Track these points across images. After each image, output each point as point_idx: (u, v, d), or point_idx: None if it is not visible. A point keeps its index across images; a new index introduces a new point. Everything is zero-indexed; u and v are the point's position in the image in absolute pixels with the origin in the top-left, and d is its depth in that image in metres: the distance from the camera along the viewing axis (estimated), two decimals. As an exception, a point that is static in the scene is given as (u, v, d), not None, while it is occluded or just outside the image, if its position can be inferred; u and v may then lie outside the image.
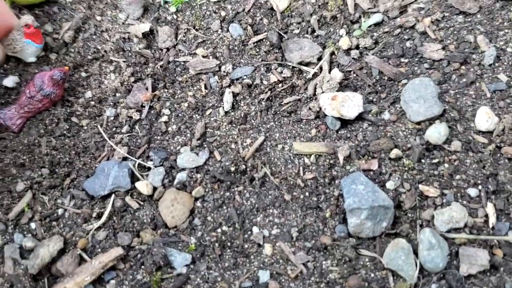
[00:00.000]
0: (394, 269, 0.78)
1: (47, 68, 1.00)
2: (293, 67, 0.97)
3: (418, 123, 0.89)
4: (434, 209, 0.83)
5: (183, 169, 0.90)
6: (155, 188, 0.88)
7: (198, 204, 0.87)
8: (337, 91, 0.93)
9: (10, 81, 0.96)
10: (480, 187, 0.83)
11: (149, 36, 1.04)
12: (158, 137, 0.94)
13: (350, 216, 0.81)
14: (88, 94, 0.99)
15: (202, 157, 0.90)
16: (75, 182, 0.91)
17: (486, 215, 0.82)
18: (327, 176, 0.87)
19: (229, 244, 0.84)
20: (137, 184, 0.87)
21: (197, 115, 0.96)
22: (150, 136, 0.94)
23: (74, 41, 1.05)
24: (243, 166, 0.89)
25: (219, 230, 0.85)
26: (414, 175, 0.86)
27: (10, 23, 0.92)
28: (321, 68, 0.96)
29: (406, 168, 0.86)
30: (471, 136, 0.87)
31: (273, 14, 1.03)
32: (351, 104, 0.90)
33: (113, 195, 0.88)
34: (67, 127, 0.95)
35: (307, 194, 0.87)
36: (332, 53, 0.97)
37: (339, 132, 0.91)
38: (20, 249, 0.85)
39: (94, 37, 1.05)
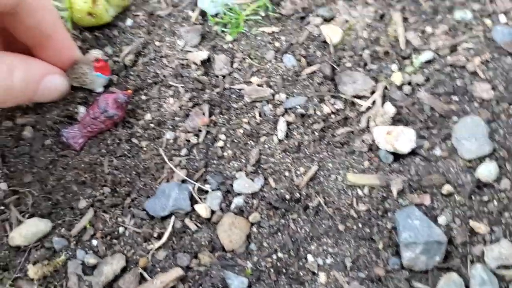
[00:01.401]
0: (446, 303, 0.81)
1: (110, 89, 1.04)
2: (346, 99, 1.01)
3: (469, 160, 0.92)
4: (484, 245, 0.85)
5: (239, 194, 0.93)
6: (213, 211, 0.92)
7: (254, 229, 0.90)
8: (389, 125, 0.96)
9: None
10: (530, 225, 0.86)
11: (206, 63, 1.08)
12: (215, 161, 0.98)
13: (405, 250, 0.84)
14: (148, 116, 1.03)
15: (258, 183, 0.94)
16: (135, 202, 0.95)
17: (536, 254, 0.84)
18: (380, 208, 0.91)
19: (284, 270, 0.87)
20: (197, 207, 0.91)
21: (251, 141, 1.00)
22: (207, 160, 0.98)
23: (134, 64, 1.09)
24: (298, 195, 0.92)
25: (274, 256, 0.88)
26: (465, 211, 0.89)
27: (73, 56, 0.98)
28: (374, 102, 0.99)
29: (457, 204, 0.89)
30: (521, 176, 0.90)
31: (326, 47, 1.07)
32: (404, 139, 0.93)
33: (173, 216, 0.91)
34: (128, 147, 0.99)
35: (360, 225, 0.90)
36: (385, 88, 1.01)
37: (392, 166, 0.95)
38: (82, 265, 0.89)
39: (153, 61, 1.09)
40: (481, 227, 0.87)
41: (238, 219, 0.89)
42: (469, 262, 0.85)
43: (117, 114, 0.98)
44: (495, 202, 0.89)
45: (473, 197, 0.90)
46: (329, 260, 0.88)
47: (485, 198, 0.89)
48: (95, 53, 0.98)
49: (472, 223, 0.87)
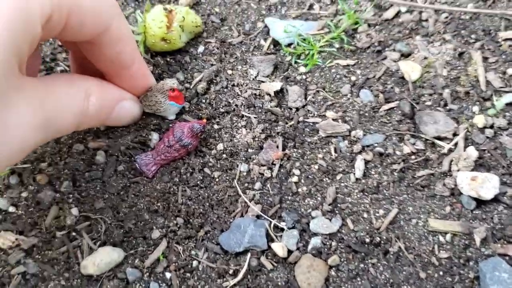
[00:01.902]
0: None
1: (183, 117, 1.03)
2: (426, 139, 0.98)
3: (558, 212, 0.88)
4: None
5: (316, 234, 0.91)
6: (289, 251, 0.90)
7: (333, 273, 0.88)
8: (472, 169, 0.93)
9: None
10: None
11: (279, 94, 1.07)
12: (289, 197, 0.96)
13: (492, 304, 0.81)
14: (220, 146, 1.02)
15: (335, 224, 0.92)
16: (209, 235, 0.93)
17: None
18: (462, 256, 0.88)
19: (365, 317, 0.85)
20: (273, 245, 0.89)
21: (327, 178, 0.98)
22: (281, 196, 0.96)
23: (206, 92, 1.08)
24: (378, 238, 0.90)
25: (353, 301, 0.86)
26: (555, 266, 0.85)
27: (148, 84, 0.98)
28: (456, 144, 0.96)
29: (546, 258, 0.85)
30: None
31: (404, 83, 1.05)
32: (489, 186, 0.90)
33: (249, 253, 0.90)
34: (201, 177, 0.98)
35: (441, 273, 0.87)
36: (467, 130, 0.98)
37: (474, 212, 0.92)
38: (156, 298, 0.88)
39: (225, 90, 1.08)
40: None
41: (316, 261, 0.87)
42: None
43: (192, 143, 0.97)
44: None
45: (562, 251, 0.86)
46: (410, 310, 0.85)
47: None
48: (170, 82, 0.97)
49: (562, 279, 0.83)
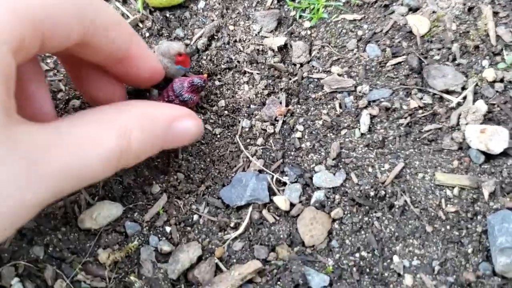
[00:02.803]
0: (544, 315, 0.75)
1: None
2: (434, 94, 0.95)
3: None
4: None
5: (319, 188, 0.89)
6: (292, 204, 0.88)
7: (336, 226, 0.86)
8: (481, 123, 0.90)
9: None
10: None
11: (283, 49, 1.04)
12: (292, 153, 0.94)
13: (499, 255, 0.79)
14: (222, 103, 0.99)
15: (339, 178, 0.90)
16: (210, 190, 0.91)
17: None
18: (470, 210, 0.85)
19: (367, 270, 0.83)
20: (275, 199, 0.87)
21: (331, 134, 0.95)
22: (284, 151, 0.94)
23: (207, 48, 1.05)
24: (383, 192, 0.87)
25: (357, 255, 0.84)
26: None
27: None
28: (464, 98, 0.93)
29: (556, 211, 0.83)
30: None
31: (412, 38, 1.02)
32: (498, 139, 0.87)
33: (250, 207, 0.88)
34: (205, 135, 0.96)
35: (448, 227, 0.85)
36: (476, 84, 0.95)
37: (483, 166, 0.89)
38: (156, 252, 0.86)
39: (227, 46, 1.05)
40: None
41: (319, 214, 0.85)
42: None
43: (192, 98, 0.95)
44: None
45: None
46: (415, 262, 0.83)
47: None
48: (177, 46, 0.94)
49: None
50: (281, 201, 0.87)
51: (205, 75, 0.96)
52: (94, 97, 0.84)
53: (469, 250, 0.83)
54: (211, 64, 1.04)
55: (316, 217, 0.85)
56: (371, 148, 0.93)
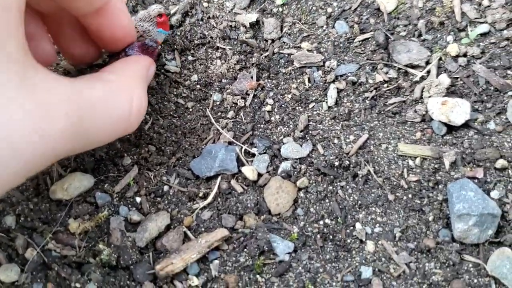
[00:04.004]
0: (498, 277, 0.79)
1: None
2: (399, 68, 0.98)
3: (527, 136, 0.89)
4: (538, 222, 0.83)
5: (287, 159, 0.91)
6: (260, 175, 0.90)
7: (302, 194, 0.89)
8: (443, 96, 0.93)
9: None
10: None
11: (255, 26, 1.06)
12: (262, 125, 0.96)
13: (457, 222, 0.82)
14: (195, 77, 1.01)
15: (306, 149, 0.92)
16: (180, 161, 0.93)
17: None
18: (431, 180, 0.88)
19: (331, 237, 0.85)
20: (243, 169, 0.89)
21: (300, 107, 0.97)
22: (254, 124, 0.96)
23: (181, 25, 1.07)
24: (347, 162, 0.90)
25: (321, 222, 0.87)
26: (521, 187, 0.85)
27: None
28: (428, 72, 0.96)
29: (511, 179, 0.86)
30: None
31: (380, 15, 1.04)
32: (459, 111, 0.90)
33: (219, 177, 0.90)
34: (174, 108, 0.98)
35: (410, 196, 0.87)
36: (440, 58, 0.97)
37: (445, 138, 0.92)
38: (125, 221, 0.88)
39: (201, 22, 1.07)
40: (536, 204, 0.84)
41: (285, 183, 0.88)
42: (523, 238, 0.82)
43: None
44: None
45: (529, 173, 0.86)
46: (377, 229, 0.86)
47: (542, 175, 0.86)
48: (156, 7, 0.93)
49: (528, 199, 0.84)
50: (249, 171, 0.89)
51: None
52: (71, 54, 0.87)
53: (430, 218, 0.86)
54: (186, 40, 1.05)
55: (282, 186, 0.87)
56: (338, 121, 0.95)
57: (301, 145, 0.92)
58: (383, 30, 1.01)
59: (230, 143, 0.93)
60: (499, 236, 0.83)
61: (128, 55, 0.86)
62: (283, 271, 0.83)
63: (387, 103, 0.96)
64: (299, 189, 0.89)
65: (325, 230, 0.86)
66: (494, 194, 0.86)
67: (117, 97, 0.70)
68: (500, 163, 0.87)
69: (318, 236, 0.85)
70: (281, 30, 1.05)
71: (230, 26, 1.05)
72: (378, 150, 0.92)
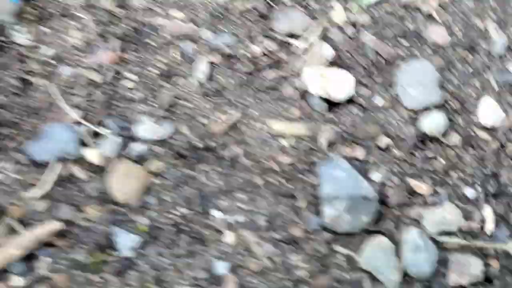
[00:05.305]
0: (371, 271, 0.67)
1: None
2: (282, 41, 0.87)
3: (414, 111, 0.79)
4: (423, 207, 0.72)
5: (144, 141, 0.78)
6: (108, 159, 0.76)
7: (157, 181, 0.76)
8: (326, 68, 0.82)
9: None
10: (479, 188, 0.73)
11: (122, -7, 0.93)
12: (120, 104, 0.84)
13: (327, 207, 0.70)
14: (49, 52, 0.88)
15: (167, 129, 0.79)
16: (20, 145, 0.79)
17: (483, 220, 0.72)
18: (306, 162, 0.77)
19: (186, 228, 0.73)
20: (88, 152, 0.76)
21: (167, 84, 0.85)
22: (111, 102, 0.83)
23: (38, -7, 0.93)
24: (213, 144, 0.78)
25: (176, 212, 0.74)
26: (404, 168, 0.75)
27: None
28: (311, 44, 0.85)
29: (396, 160, 0.76)
30: (473, 131, 0.78)
31: (263, -18, 0.93)
32: (341, 85, 0.79)
33: (59, 162, 0.76)
34: (20, 85, 0.84)
35: (281, 180, 0.76)
36: (325, 28, 0.87)
37: (326, 116, 0.81)
38: None
39: (61, -10, 0.94)
40: (422, 187, 0.74)
41: (136, 168, 0.75)
42: (405, 226, 0.71)
43: None
44: (441, 160, 0.76)
45: (415, 152, 0.77)
46: (241, 218, 0.74)
47: (430, 154, 0.77)
48: None
49: (411, 181, 0.74)
50: (93, 155, 0.76)
51: None
52: None
53: (302, 204, 0.74)
54: (45, 11, 0.92)
55: (132, 171, 0.74)
56: (208, 98, 0.84)
57: (161, 126, 0.79)
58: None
59: (78, 123, 0.79)
60: (379, 224, 0.72)
61: None
62: (124, 269, 0.70)
63: (264, 78, 0.84)
64: (155, 175, 0.76)
65: (180, 220, 0.73)
66: (376, 176, 0.75)
67: None
68: (384, 141, 0.77)
69: (171, 228, 0.72)
70: (153, -2, 0.93)
71: (94, -6, 0.92)
72: (250, 130, 0.80)
